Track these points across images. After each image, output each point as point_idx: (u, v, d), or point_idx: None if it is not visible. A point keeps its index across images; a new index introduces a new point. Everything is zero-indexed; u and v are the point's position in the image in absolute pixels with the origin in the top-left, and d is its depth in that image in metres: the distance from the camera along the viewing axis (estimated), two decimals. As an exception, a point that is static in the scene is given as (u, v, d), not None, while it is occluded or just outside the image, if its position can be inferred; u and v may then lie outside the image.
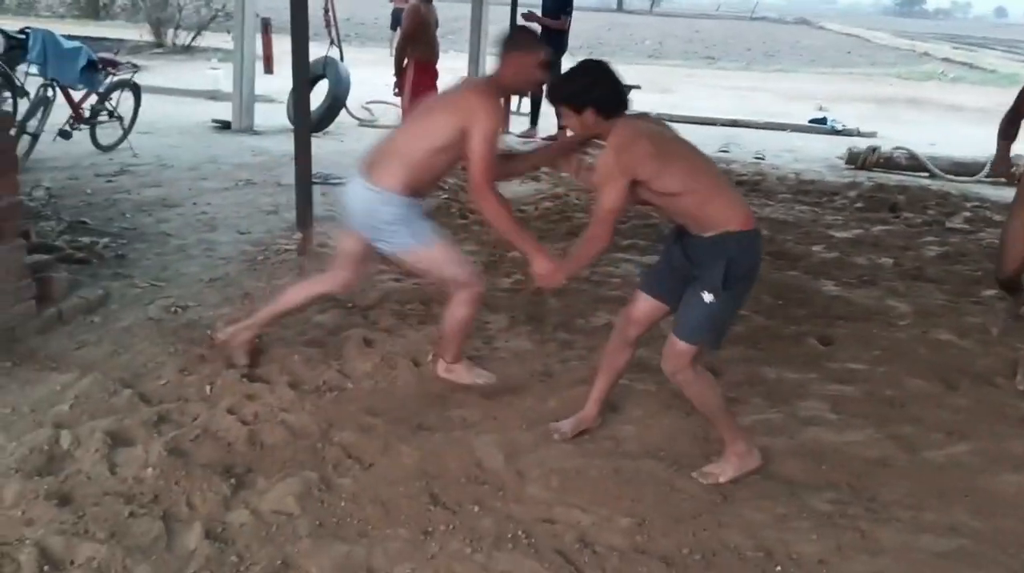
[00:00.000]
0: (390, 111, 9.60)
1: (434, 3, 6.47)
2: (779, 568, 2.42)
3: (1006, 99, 4.24)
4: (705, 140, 9.57)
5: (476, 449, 2.94)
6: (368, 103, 10.24)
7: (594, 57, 2.94)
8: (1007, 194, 7.41)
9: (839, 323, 4.29)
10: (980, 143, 9.73)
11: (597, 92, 2.70)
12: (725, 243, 2.66)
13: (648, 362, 3.69)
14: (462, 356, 3.41)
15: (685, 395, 2.87)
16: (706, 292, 2.68)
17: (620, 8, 62.71)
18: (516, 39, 3.22)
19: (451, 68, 10.11)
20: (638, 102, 12.69)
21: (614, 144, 2.67)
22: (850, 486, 2.85)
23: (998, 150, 4.30)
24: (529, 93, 9.06)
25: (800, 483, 2.86)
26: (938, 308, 4.56)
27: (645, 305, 2.96)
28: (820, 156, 8.98)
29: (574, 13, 8.92)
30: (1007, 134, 4.21)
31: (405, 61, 6.31)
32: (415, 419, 3.14)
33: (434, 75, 6.46)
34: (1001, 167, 4.44)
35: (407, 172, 3.05)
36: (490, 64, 8.47)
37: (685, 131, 9.75)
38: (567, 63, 3.79)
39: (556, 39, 8.66)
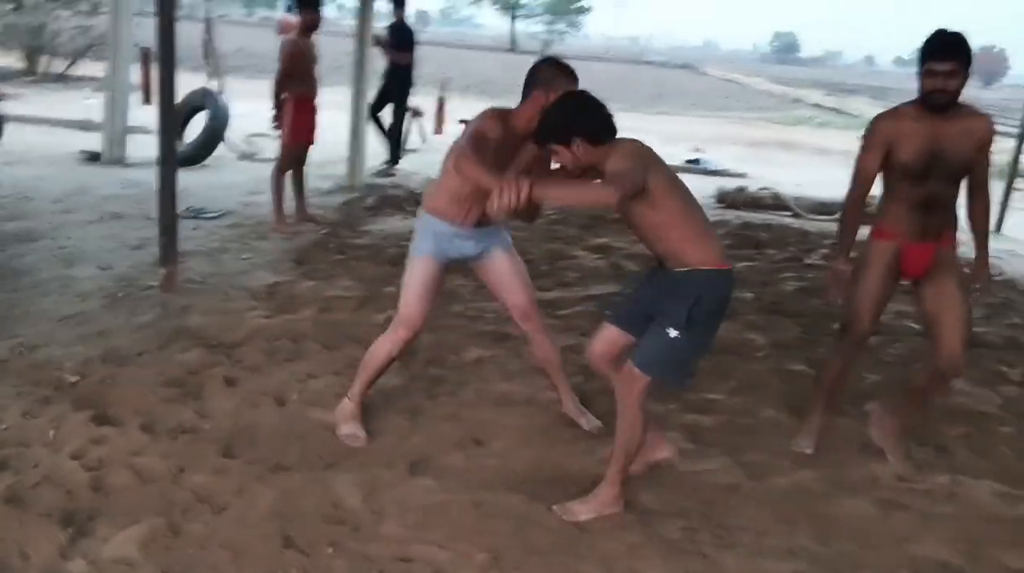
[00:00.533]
0: (272, 145, 9.46)
1: (314, 38, 6.43)
2: (627, 598, 2.48)
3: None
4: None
5: (335, 488, 2.91)
6: (250, 136, 10.06)
7: (575, 91, 2.89)
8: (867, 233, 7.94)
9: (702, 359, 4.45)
10: (842, 184, 10.38)
11: (580, 121, 2.71)
12: (695, 279, 2.71)
13: (512, 396, 3.77)
14: (360, 398, 3.37)
15: (618, 419, 2.85)
16: (671, 328, 2.70)
17: (513, 49, 64.02)
18: (537, 75, 3.09)
19: (335, 103, 10.09)
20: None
21: (624, 150, 2.70)
22: (700, 513, 2.95)
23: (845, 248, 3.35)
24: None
25: (654, 511, 2.94)
26: (793, 340, 4.80)
27: (610, 335, 3.04)
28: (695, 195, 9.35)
29: (417, 48, 9.24)
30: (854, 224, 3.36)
31: (284, 95, 6.25)
32: (274, 459, 3.08)
33: (312, 110, 6.42)
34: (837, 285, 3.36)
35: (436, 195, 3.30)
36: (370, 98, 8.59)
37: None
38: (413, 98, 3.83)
39: (400, 74, 8.79)
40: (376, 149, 9.12)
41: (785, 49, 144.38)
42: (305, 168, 6.69)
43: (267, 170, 6.67)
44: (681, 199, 2.76)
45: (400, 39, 8.98)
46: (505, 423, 3.50)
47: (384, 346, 3.34)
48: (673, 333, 2.71)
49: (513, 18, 70.46)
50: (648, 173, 2.64)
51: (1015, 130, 9.46)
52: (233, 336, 4.16)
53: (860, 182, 3.28)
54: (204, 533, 2.60)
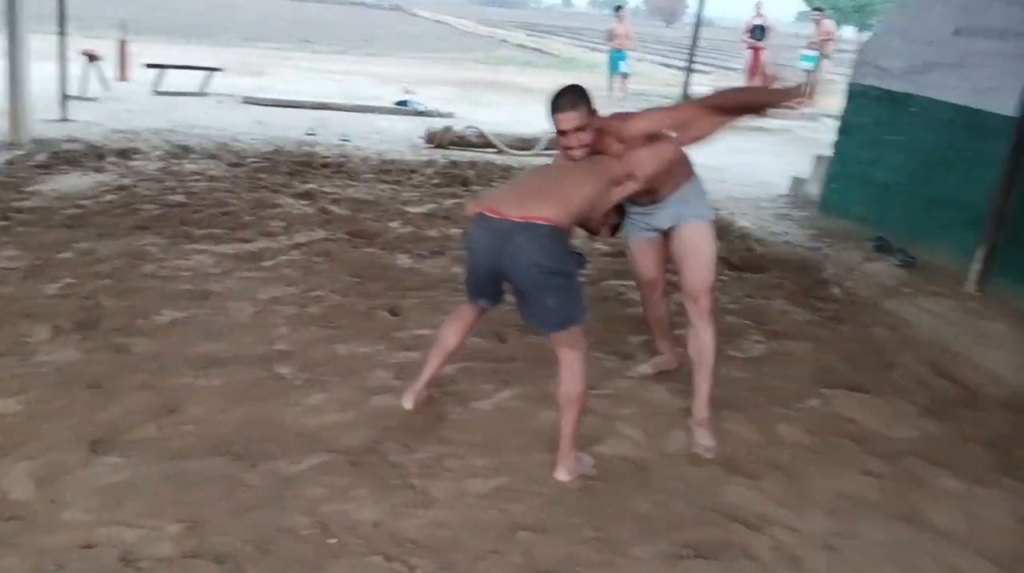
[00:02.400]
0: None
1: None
2: (335, 540, 2.47)
3: (566, 80, 4.32)
4: (293, 123, 9.50)
5: (2, 481, 2.58)
6: None
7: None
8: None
9: (410, 294, 4.51)
10: (543, 121, 10.91)
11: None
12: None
13: (215, 357, 3.58)
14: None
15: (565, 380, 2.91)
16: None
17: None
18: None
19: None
20: (223, 84, 12.11)
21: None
22: (407, 446, 3.00)
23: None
24: None
25: (363, 452, 2.95)
26: (497, 271, 5.00)
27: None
28: (403, 137, 9.37)
29: None
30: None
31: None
32: (-78, 459, 2.67)
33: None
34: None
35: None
36: (41, 43, 7.51)
37: (273, 115, 9.54)
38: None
39: None
40: (46, 100, 8.07)
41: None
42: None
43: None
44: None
45: None
46: (206, 386, 3.31)
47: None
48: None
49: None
50: None
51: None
52: None
53: None
54: None
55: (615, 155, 3.09)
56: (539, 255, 2.76)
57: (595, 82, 15.50)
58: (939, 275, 5.32)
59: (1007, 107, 5.17)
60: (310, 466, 2.83)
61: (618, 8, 15.58)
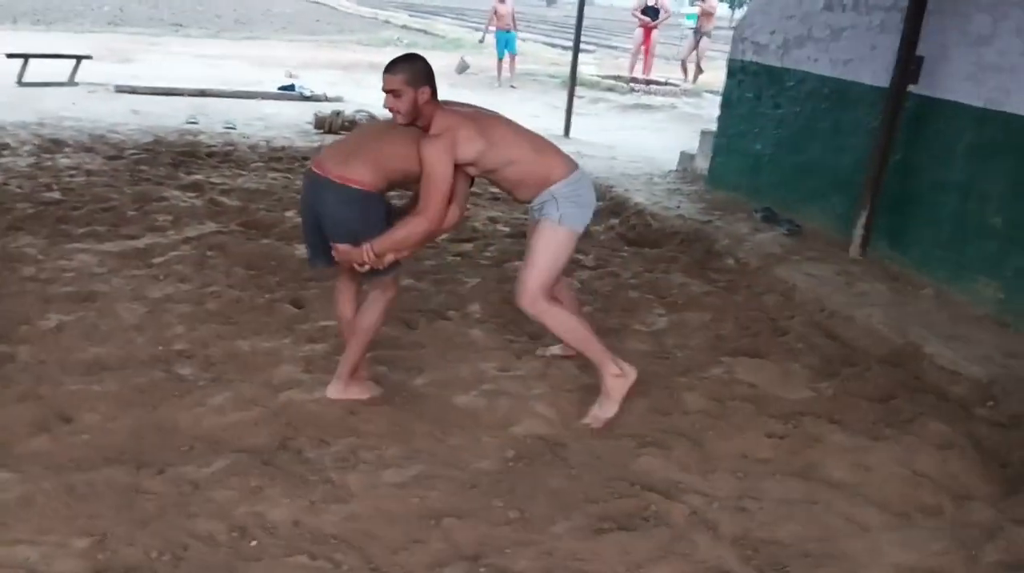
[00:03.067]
0: None
1: None
2: (255, 542, 2.41)
3: (454, 61, 4.34)
4: (172, 112, 9.09)
5: None
6: None
7: None
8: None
9: (311, 285, 4.40)
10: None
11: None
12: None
13: (105, 361, 3.41)
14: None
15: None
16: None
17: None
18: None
19: None
20: (91, 73, 11.51)
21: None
22: (320, 441, 2.95)
23: None
24: None
25: (275, 450, 2.88)
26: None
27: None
28: (291, 122, 9.10)
29: None
30: None
31: None
32: None
33: None
34: None
35: None
36: None
37: (150, 103, 9.13)
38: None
39: None
40: None
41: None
42: None
43: None
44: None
45: None
46: (99, 392, 3.14)
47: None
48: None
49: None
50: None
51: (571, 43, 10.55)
52: None
53: None
54: None
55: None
56: (345, 214, 2.98)
57: (485, 63, 15.52)
58: (823, 242, 5.59)
59: (875, 78, 5.47)
60: (218, 469, 2.73)
61: (501, -12, 15.53)
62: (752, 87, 6.73)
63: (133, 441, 2.86)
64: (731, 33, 7.65)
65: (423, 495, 2.68)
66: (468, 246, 5.35)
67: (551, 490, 2.77)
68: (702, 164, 7.48)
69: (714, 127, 7.40)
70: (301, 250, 4.92)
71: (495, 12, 14.69)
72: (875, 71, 5.48)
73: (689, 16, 15.93)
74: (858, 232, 5.25)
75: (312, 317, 4.03)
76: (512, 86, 14.01)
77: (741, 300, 4.68)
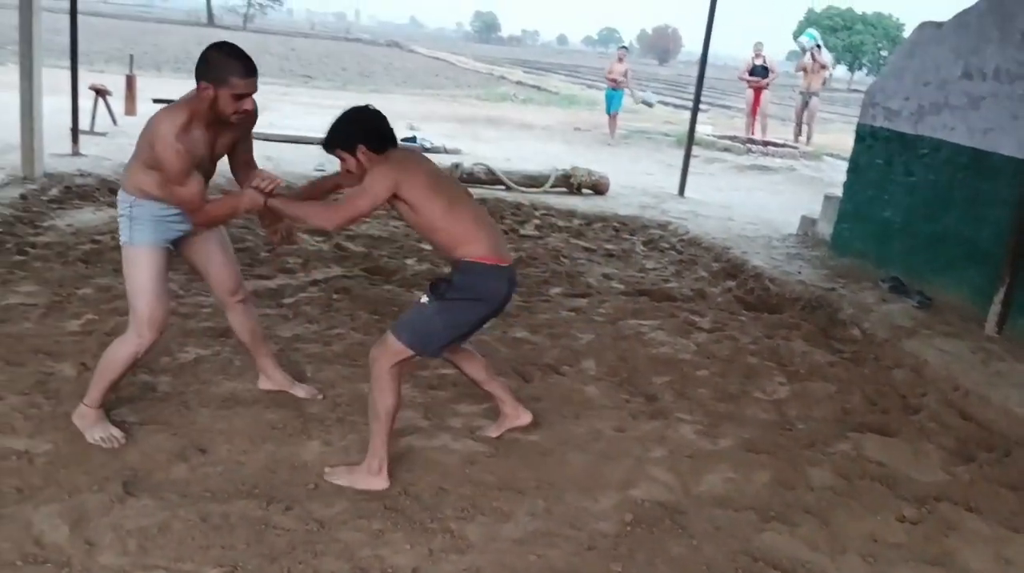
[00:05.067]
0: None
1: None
2: (376, 587, 2.43)
3: (567, 118, 4.55)
4: (302, 159, 9.54)
5: (34, 523, 2.55)
6: None
7: (357, 104, 3.05)
8: (571, 202, 8.49)
9: (430, 332, 4.49)
10: (546, 157, 10.99)
11: (364, 130, 2.92)
12: (465, 267, 2.95)
13: (238, 396, 3.56)
14: (101, 404, 3.15)
15: (371, 388, 2.99)
16: (423, 296, 3.00)
17: (211, 23, 60.16)
18: (207, 62, 2.91)
19: (6, 83, 8.83)
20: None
21: (388, 159, 2.91)
22: (441, 489, 2.98)
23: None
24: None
25: (396, 494, 2.92)
26: (514, 309, 5.00)
27: None
28: (412, 172, 9.41)
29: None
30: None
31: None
32: (-48, 500, 2.64)
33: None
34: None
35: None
36: (48, 77, 7.54)
37: (282, 150, 9.62)
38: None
39: None
40: (56, 134, 8.10)
41: (486, 28, 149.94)
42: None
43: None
44: (445, 202, 2.94)
45: None
46: (231, 426, 3.28)
47: (126, 349, 3.11)
48: (423, 299, 3.00)
49: (208, -10, 66.00)
50: (400, 185, 2.87)
51: (690, 102, 10.56)
52: None
53: None
54: None
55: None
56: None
57: (595, 119, 15.71)
58: (956, 316, 5.34)
59: (1018, 149, 5.24)
60: (343, 509, 2.79)
61: (622, 47, 15.76)
62: (882, 153, 6.55)
63: (264, 475, 2.96)
64: (846, 95, 7.50)
65: (542, 553, 2.66)
66: (582, 302, 5.36)
67: (671, 558, 2.70)
68: (825, 229, 7.29)
69: (838, 191, 7.22)
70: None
71: (610, 70, 14.91)
72: (1019, 141, 5.25)
73: (809, 35, 15.48)
74: (995, 308, 5.00)
75: (431, 364, 4.09)
76: (608, 143, 14.04)
77: (868, 373, 4.50)
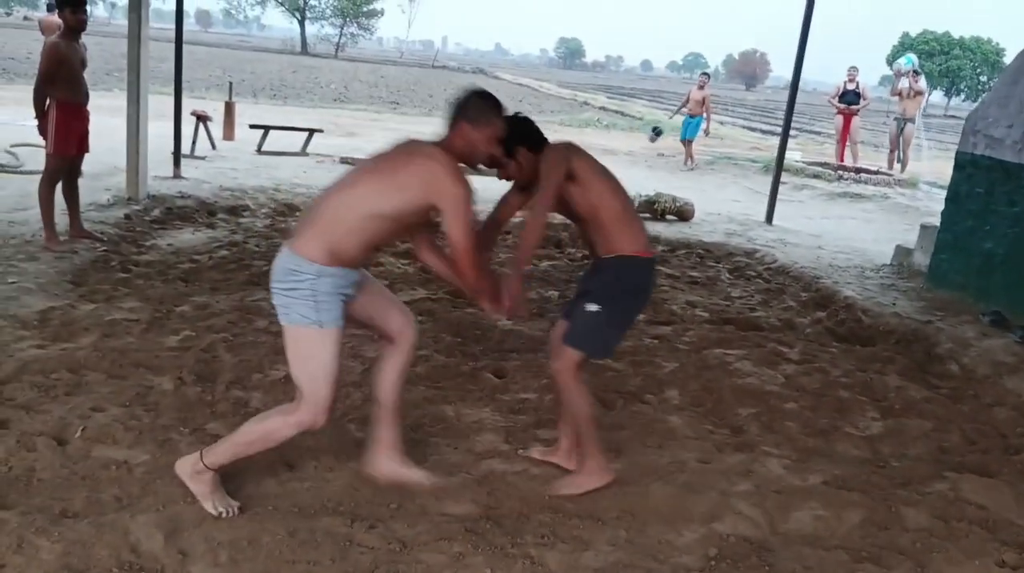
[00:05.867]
0: (39, 155, 8.59)
1: (83, 40, 5.88)
2: (456, 610, 2.44)
3: (651, 144, 4.47)
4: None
5: (132, 532, 2.65)
6: (12, 146, 9.10)
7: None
8: (655, 228, 8.41)
9: (512, 356, 4.52)
10: (629, 183, 10.94)
11: (520, 134, 2.96)
12: (618, 262, 3.01)
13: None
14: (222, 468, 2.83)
15: (564, 400, 3.13)
16: (590, 303, 3.03)
17: (305, 51, 62.31)
18: (471, 106, 2.84)
19: (114, 108, 9.32)
20: (321, 146, 12.58)
21: (552, 147, 2.95)
22: (521, 514, 2.97)
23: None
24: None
25: (477, 518, 2.93)
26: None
27: (559, 328, 3.21)
28: (496, 197, 9.49)
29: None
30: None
31: (47, 102, 5.68)
32: (57, 506, 2.77)
33: (84, 118, 5.88)
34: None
35: (330, 239, 2.64)
36: (152, 103, 7.93)
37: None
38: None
39: None
40: (158, 157, 8.50)
41: (570, 54, 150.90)
42: (80, 180, 6.12)
43: (35, 184, 6.03)
44: (611, 182, 3.05)
45: None
46: (318, 443, 3.34)
47: (288, 430, 2.76)
48: (592, 307, 3.03)
49: (302, 20, 68.53)
50: (571, 162, 2.95)
51: (778, 128, 10.37)
52: (0, 371, 3.70)
53: None
54: (-25, 601, 2.28)
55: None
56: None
57: (679, 146, 15.55)
58: (1063, 353, 5.06)
59: None
60: (424, 530, 2.81)
61: (704, 74, 15.60)
62: (984, 182, 6.29)
63: (348, 494, 3.01)
64: (942, 121, 7.23)
65: (622, 584, 2.62)
66: (666, 329, 5.29)
67: (757, 596, 2.63)
68: (921, 260, 7.03)
69: (935, 221, 6.97)
70: (503, 321, 5.10)
71: (689, 97, 14.72)
72: None
73: (907, 60, 14.95)
74: (1107, 346, 4.71)
75: (512, 388, 4.11)
76: (681, 169, 13.84)
77: (967, 410, 4.30)
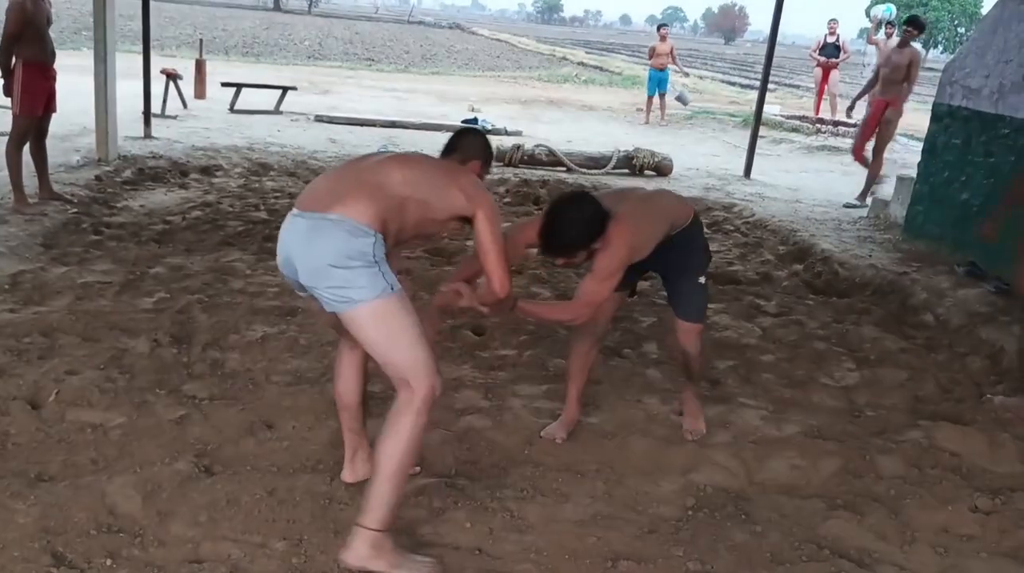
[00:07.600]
0: (5, 116, 8.38)
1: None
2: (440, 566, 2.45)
3: (630, 98, 4.45)
4: (366, 141, 9.64)
5: (108, 494, 2.64)
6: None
7: (568, 198, 2.87)
8: (634, 184, 8.38)
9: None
10: (608, 138, 10.89)
11: (591, 230, 2.77)
12: (688, 235, 3.12)
13: (304, 373, 3.62)
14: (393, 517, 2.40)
15: (690, 363, 3.31)
16: (701, 277, 3.20)
17: (277, 7, 61.07)
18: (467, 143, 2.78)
19: (81, 67, 9.11)
20: (296, 103, 12.37)
21: (611, 232, 2.80)
22: (501, 469, 2.99)
23: None
24: None
25: (457, 474, 2.94)
26: (571, 292, 4.97)
27: (611, 301, 3.13)
28: (473, 154, 9.42)
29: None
30: None
31: (13, 62, 5.53)
32: (33, 470, 2.75)
33: (51, 77, 5.74)
34: None
35: (382, 207, 2.41)
36: (121, 62, 7.74)
37: (345, 132, 9.69)
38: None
39: None
40: (129, 117, 8.33)
41: (548, 9, 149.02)
42: (48, 141, 5.99)
43: (1, 145, 5.89)
44: (652, 212, 3.07)
45: None
46: (297, 402, 3.34)
47: (418, 421, 2.37)
48: (702, 280, 3.23)
49: (274, -24, 66.94)
50: (634, 253, 2.91)
51: (756, 82, 10.32)
52: (-30, 336, 3.65)
53: None
54: (-48, 565, 2.27)
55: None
56: None
57: (657, 100, 15.45)
58: (1036, 302, 5.12)
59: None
60: (408, 485, 2.82)
61: (660, 26, 15.35)
62: (960, 133, 6.30)
63: (328, 452, 3.01)
64: (920, 74, 7.22)
65: (601, 535, 2.65)
66: (644, 284, 5.28)
67: (734, 545, 2.66)
68: (897, 212, 7.06)
69: (911, 173, 6.99)
70: (482, 278, 5.07)
71: (652, 49, 14.44)
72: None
73: (887, 9, 14.65)
74: (1080, 294, 4.76)
75: (492, 345, 4.11)
76: (661, 124, 13.71)
77: (942, 360, 4.36)
